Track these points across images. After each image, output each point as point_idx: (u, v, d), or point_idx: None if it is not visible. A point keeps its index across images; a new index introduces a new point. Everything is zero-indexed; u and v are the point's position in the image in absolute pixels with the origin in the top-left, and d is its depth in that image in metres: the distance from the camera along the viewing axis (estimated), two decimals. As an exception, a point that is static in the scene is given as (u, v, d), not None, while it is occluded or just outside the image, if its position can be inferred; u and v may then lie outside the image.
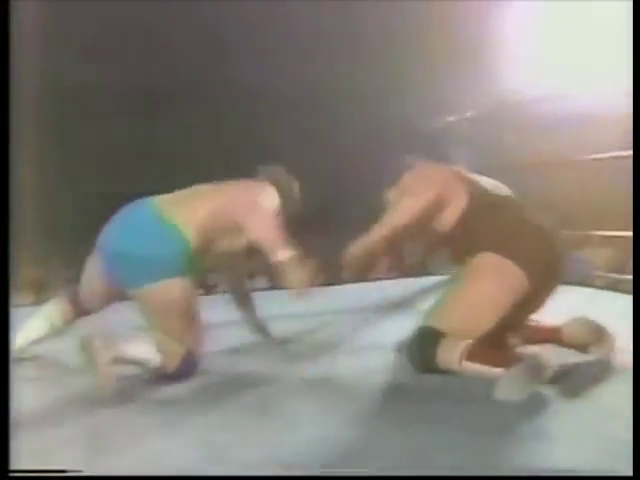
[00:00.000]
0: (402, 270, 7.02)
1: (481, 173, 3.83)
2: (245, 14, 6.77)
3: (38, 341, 3.99)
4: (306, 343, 4.27)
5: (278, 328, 4.32)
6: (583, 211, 6.08)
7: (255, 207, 3.76)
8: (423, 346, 3.16)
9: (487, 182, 3.68)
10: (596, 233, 5.96)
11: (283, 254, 3.60)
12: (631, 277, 5.03)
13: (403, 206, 3.49)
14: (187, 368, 3.61)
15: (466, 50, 6.60)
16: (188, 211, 3.67)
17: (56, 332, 4.01)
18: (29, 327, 4.00)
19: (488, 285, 3.31)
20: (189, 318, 3.65)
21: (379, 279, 5.44)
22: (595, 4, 6.27)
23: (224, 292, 4.61)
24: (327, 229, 5.63)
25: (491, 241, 3.39)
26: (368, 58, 6.72)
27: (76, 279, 4.04)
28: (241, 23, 6.81)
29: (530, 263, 3.35)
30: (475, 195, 3.53)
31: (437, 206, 3.48)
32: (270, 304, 4.42)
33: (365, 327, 4.62)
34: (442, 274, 5.85)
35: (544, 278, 3.41)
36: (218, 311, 4.19)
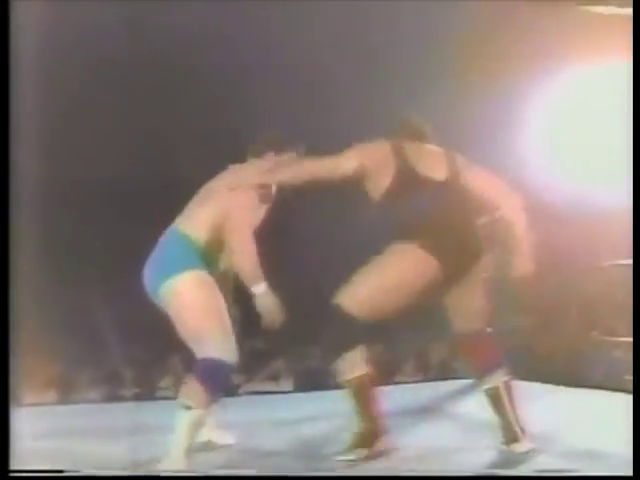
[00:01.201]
0: (428, 372, 6.98)
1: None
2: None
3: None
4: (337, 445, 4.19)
5: (307, 429, 4.28)
6: (613, 315, 6.04)
7: (239, 225, 3.84)
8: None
9: (427, 166, 3.93)
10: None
11: (257, 288, 3.75)
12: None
13: (322, 161, 3.91)
14: (210, 374, 3.65)
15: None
16: (194, 217, 3.95)
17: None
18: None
19: (394, 271, 3.71)
20: (211, 315, 3.73)
21: (406, 382, 5.41)
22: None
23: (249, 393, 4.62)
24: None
25: (408, 227, 3.77)
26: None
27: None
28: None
29: (444, 253, 3.74)
30: (403, 175, 3.87)
31: (359, 174, 3.85)
32: (298, 406, 4.40)
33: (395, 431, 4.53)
34: (469, 378, 5.79)
35: (458, 266, 3.84)
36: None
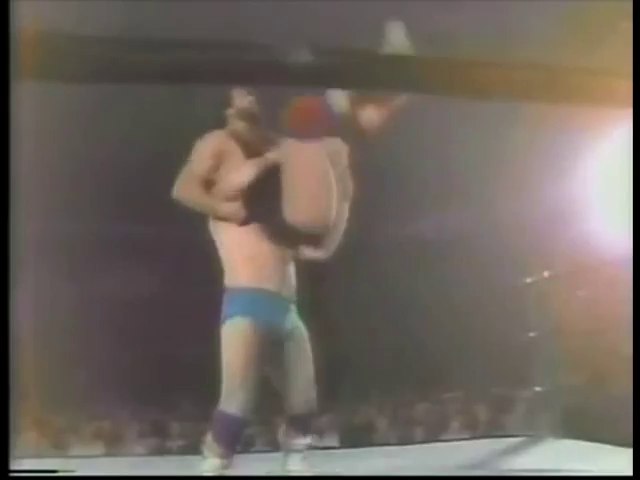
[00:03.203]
0: (475, 430, 6.91)
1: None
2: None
3: None
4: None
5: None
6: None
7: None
8: None
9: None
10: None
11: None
12: None
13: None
14: (221, 427, 3.66)
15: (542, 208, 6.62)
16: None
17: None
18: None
19: None
20: (237, 367, 3.72)
21: (453, 440, 5.34)
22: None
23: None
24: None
25: None
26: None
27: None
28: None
29: None
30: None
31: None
32: (343, 463, 4.38)
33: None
34: (517, 436, 5.75)
35: None
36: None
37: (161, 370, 7.61)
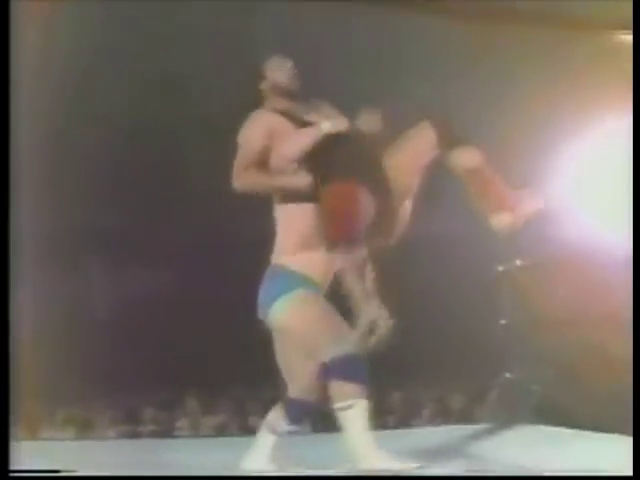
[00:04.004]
0: (448, 418, 6.96)
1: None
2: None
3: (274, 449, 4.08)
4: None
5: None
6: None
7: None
8: None
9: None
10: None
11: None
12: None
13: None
14: (349, 368, 3.74)
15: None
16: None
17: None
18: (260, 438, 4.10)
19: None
20: (330, 319, 3.83)
21: (423, 426, 5.38)
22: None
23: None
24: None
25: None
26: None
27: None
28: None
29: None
30: None
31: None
32: (314, 448, 4.39)
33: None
34: (486, 423, 5.80)
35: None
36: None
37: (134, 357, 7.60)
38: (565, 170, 6.18)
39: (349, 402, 3.75)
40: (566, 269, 6.21)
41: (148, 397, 7.52)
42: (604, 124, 5.96)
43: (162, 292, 7.55)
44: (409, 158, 3.78)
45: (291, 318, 3.82)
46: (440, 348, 8.92)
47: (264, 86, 4.01)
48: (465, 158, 3.69)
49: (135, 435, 6.97)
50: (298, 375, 4.02)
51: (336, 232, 3.66)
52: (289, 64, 4.03)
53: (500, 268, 6.43)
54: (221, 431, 7.42)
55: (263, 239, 4.09)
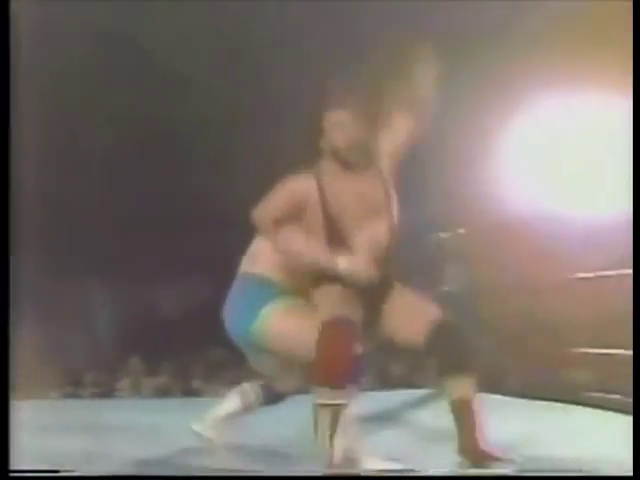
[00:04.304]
0: (388, 384, 7.04)
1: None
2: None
3: (232, 415, 4.04)
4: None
5: (265, 434, 4.29)
6: (575, 330, 6.10)
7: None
8: None
9: None
10: (587, 351, 5.97)
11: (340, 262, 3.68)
12: (618, 396, 5.07)
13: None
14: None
15: (462, 166, 6.67)
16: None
17: (248, 411, 4.06)
18: (226, 401, 4.07)
19: None
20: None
21: (363, 390, 5.39)
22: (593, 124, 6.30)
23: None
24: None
25: None
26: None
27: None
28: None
29: None
30: None
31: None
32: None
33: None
34: (426, 387, 5.88)
35: None
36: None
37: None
38: (512, 144, 6.25)
39: (332, 401, 3.78)
40: (509, 237, 6.29)
41: (91, 358, 7.52)
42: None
43: (108, 255, 7.50)
44: None
45: (276, 329, 3.76)
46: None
47: (323, 144, 3.66)
48: (459, 389, 3.68)
49: (77, 396, 6.97)
50: (283, 377, 4.04)
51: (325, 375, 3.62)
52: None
53: (443, 235, 6.50)
54: (163, 393, 7.44)
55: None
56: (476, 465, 3.53)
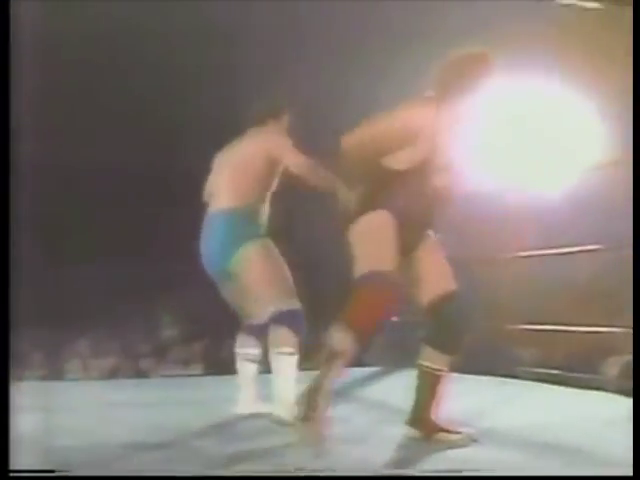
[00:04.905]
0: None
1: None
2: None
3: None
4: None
5: (220, 412, 4.35)
6: (512, 306, 6.22)
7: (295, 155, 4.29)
8: None
9: None
10: (524, 327, 6.09)
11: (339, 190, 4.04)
12: (556, 372, 5.20)
13: None
14: (295, 320, 4.15)
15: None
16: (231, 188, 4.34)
17: None
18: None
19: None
20: (281, 275, 4.22)
21: (311, 369, 5.45)
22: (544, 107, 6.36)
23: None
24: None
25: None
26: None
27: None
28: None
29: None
30: None
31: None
32: (204, 389, 4.48)
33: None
34: (376, 366, 5.97)
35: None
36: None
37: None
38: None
39: (288, 350, 4.12)
40: (451, 216, 6.37)
41: (37, 339, 7.51)
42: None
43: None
44: None
45: (249, 269, 4.15)
46: (326, 293, 9.08)
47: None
48: (438, 361, 3.74)
49: (25, 377, 6.96)
50: (253, 313, 4.34)
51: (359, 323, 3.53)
52: None
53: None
54: (112, 374, 7.46)
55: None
56: (424, 437, 3.63)
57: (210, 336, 7.51)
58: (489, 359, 6.14)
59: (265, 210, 4.35)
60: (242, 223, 4.20)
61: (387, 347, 6.84)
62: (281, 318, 4.12)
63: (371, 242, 3.57)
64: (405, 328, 6.50)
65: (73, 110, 6.86)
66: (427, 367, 3.72)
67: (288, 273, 4.23)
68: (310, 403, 3.34)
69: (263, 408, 4.28)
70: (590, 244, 5.43)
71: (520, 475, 2.27)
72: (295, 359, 4.14)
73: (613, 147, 5.46)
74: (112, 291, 7.72)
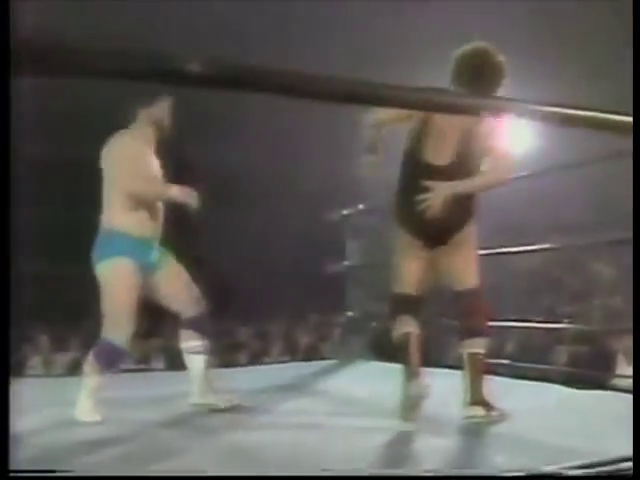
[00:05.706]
0: (295, 354, 7.23)
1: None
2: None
3: None
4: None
5: (180, 407, 4.41)
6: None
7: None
8: None
9: None
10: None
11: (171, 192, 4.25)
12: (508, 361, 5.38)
13: None
14: (104, 354, 4.16)
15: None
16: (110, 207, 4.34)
17: None
18: None
19: None
20: (121, 303, 4.15)
21: (271, 363, 5.56)
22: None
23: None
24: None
25: None
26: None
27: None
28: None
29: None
30: None
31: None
32: (167, 384, 4.55)
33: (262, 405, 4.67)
34: (332, 359, 6.11)
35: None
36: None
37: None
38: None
39: (86, 371, 4.21)
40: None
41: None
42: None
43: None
44: None
45: (102, 286, 4.18)
46: (289, 287, 9.20)
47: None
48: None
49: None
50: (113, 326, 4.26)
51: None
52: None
53: (345, 212, 6.68)
54: (73, 369, 7.47)
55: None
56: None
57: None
58: (438, 350, 6.33)
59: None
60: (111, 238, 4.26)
61: (342, 340, 7.00)
62: (101, 346, 4.18)
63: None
64: (358, 322, 6.67)
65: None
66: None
67: (133, 306, 4.21)
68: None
69: (212, 399, 4.38)
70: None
71: (520, 475, 2.41)
72: (92, 382, 4.18)
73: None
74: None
